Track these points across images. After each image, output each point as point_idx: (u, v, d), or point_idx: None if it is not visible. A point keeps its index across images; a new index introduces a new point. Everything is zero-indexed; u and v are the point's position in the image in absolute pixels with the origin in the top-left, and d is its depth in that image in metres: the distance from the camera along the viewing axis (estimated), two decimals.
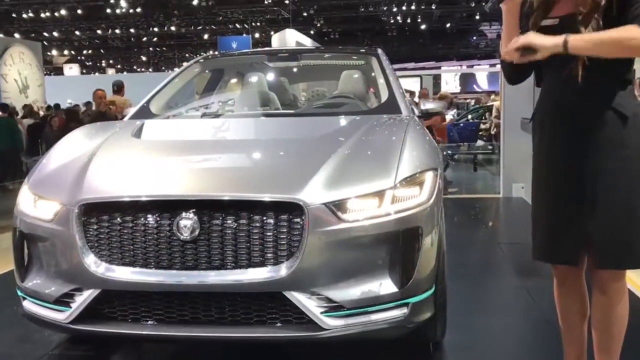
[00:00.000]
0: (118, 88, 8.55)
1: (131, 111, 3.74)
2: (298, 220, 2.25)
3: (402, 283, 2.32)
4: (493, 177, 9.20)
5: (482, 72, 29.08)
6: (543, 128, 2.19)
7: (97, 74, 38.44)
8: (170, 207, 2.28)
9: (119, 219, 2.31)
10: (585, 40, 1.92)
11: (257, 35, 25.68)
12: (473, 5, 21.29)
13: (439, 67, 29.14)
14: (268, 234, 2.25)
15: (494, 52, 27.04)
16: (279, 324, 2.31)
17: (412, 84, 18.51)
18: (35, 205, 2.51)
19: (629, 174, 2.02)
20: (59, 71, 35.05)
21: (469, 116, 14.16)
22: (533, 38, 1.96)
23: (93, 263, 2.30)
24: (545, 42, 1.95)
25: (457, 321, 3.12)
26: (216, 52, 12.32)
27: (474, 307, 3.58)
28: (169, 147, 3.03)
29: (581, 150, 2.06)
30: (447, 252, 2.75)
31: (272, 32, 19.42)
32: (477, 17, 25.10)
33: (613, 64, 1.97)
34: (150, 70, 37.80)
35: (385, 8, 21.89)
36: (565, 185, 2.10)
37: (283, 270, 2.23)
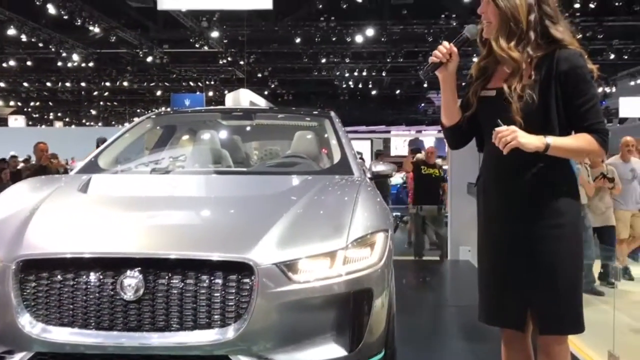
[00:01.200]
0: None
1: (78, 165, 3.65)
2: (247, 280, 2.21)
3: (352, 346, 2.29)
4: (442, 239, 9.32)
5: (430, 137, 30.01)
6: (485, 194, 2.27)
7: (43, 126, 37.62)
8: (115, 265, 2.20)
9: (59, 276, 2.21)
10: (562, 149, 2.06)
11: (210, 93, 25.83)
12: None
13: (389, 132, 29.92)
14: (216, 294, 2.19)
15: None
16: None
17: (363, 146, 18.88)
18: None
19: (565, 241, 2.11)
20: (3, 122, 34.14)
21: None
22: (521, 138, 2.02)
23: (28, 323, 2.17)
24: (529, 145, 2.03)
25: None
26: (169, 109, 12.30)
27: None
28: (115, 202, 2.95)
29: (519, 217, 2.14)
30: (396, 314, 2.73)
31: (226, 91, 19.59)
32: (425, 85, 26.09)
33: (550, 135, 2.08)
34: (100, 124, 37.29)
35: (337, 73, 22.51)
36: (506, 251, 2.17)
37: (230, 332, 2.16)
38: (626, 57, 17.91)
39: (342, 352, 2.27)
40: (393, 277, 2.67)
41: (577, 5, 12.72)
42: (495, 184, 2.22)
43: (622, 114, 20.24)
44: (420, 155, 9.83)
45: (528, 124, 2.06)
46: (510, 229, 2.16)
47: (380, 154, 9.64)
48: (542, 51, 2.10)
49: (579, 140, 2.08)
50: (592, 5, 12.58)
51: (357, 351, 2.30)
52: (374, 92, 27.38)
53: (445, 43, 2.17)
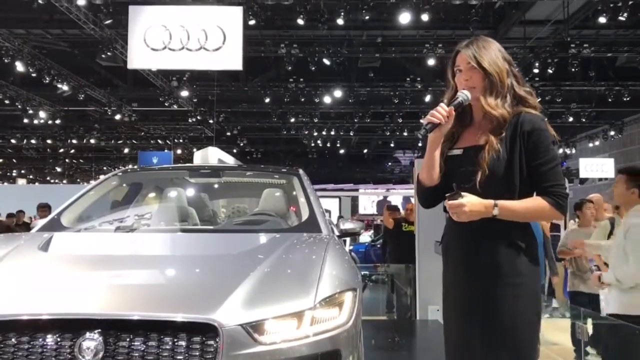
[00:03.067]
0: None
1: (39, 223, 3.55)
2: (212, 342, 2.14)
3: None
4: (410, 298, 9.28)
5: (397, 196, 30.35)
6: (447, 253, 2.31)
7: (6, 183, 36.80)
8: (73, 327, 2.11)
9: (13, 339, 2.10)
10: (509, 213, 2.16)
11: (179, 151, 25.80)
12: (388, 134, 22.61)
13: (357, 190, 30.19)
14: (179, 357, 2.11)
15: (408, 177, 28.48)
16: None
17: (331, 204, 18.95)
18: None
19: (523, 300, 2.15)
20: None
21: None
22: (468, 210, 2.14)
23: None
24: (475, 216, 2.15)
25: None
26: (135, 166, 12.20)
27: None
28: (77, 261, 2.87)
29: (478, 276, 2.19)
30: None
31: (194, 149, 19.60)
32: (392, 145, 26.59)
33: (510, 197, 2.18)
34: (65, 181, 36.66)
35: (306, 132, 22.83)
36: (465, 311, 2.21)
37: None
38: (584, 119, 18.68)
39: None
40: (362, 338, 2.63)
41: (536, 71, 13.31)
42: (458, 242, 2.29)
43: (582, 174, 20.90)
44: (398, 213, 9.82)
45: (492, 176, 2.17)
46: (470, 289, 2.21)
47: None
48: (512, 110, 2.25)
49: (529, 203, 2.17)
50: (550, 71, 13.16)
51: None
52: (342, 151, 27.76)
53: (444, 105, 2.26)
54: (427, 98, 17.39)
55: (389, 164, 33.43)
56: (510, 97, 2.26)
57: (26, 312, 2.17)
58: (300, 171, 4.28)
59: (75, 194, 3.92)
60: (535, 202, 2.17)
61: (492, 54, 2.27)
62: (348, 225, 3.75)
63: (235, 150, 24.75)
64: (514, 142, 2.19)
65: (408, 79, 16.66)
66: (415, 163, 8.32)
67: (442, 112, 2.23)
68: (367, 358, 2.77)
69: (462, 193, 2.15)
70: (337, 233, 3.64)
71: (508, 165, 2.18)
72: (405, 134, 22.60)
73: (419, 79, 16.64)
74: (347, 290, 2.50)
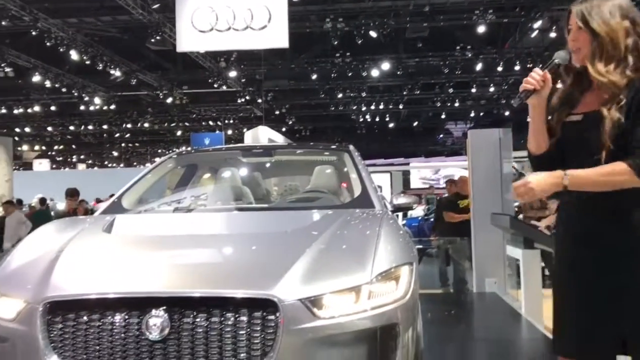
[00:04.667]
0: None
1: (102, 206, 3.70)
2: (272, 317, 2.19)
3: None
4: (466, 271, 9.20)
5: (450, 169, 29.93)
6: (568, 217, 2.16)
7: (67, 169, 38.30)
8: (140, 305, 2.20)
9: (85, 317, 2.21)
10: (581, 182, 1.98)
11: (229, 132, 26.16)
12: (439, 105, 22.24)
13: (408, 164, 29.89)
14: (241, 332, 2.17)
15: (461, 149, 27.97)
16: None
17: (381, 179, 18.85)
18: None
19: None
20: (28, 166, 34.83)
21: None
22: (535, 188, 1.99)
23: None
24: (544, 193, 2.01)
25: None
26: (190, 148, 12.46)
27: None
28: (139, 242, 2.98)
29: (609, 234, 2.02)
30: (424, 349, 2.68)
31: (244, 129, 19.84)
32: (443, 117, 26.15)
33: None
34: (122, 165, 37.85)
35: (354, 107, 22.70)
36: (598, 292, 2.03)
37: None
38: None
39: None
40: (419, 311, 2.63)
41: None
42: (580, 205, 2.08)
43: None
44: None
45: (616, 147, 1.97)
46: (600, 248, 2.02)
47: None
48: (636, 75, 2.02)
49: (604, 168, 1.96)
50: None
51: None
52: (391, 125, 27.50)
53: (538, 70, 2.13)
54: (479, 66, 16.96)
55: (440, 136, 32.90)
56: (634, 58, 2.01)
57: (95, 292, 2.28)
58: (351, 147, 4.27)
59: (133, 177, 4.04)
60: (612, 167, 1.94)
61: (606, 11, 2.02)
62: (401, 199, 3.73)
63: (284, 129, 24.90)
64: (635, 107, 1.97)
65: (458, 47, 16.26)
66: (468, 134, 8.15)
67: (535, 77, 2.10)
68: (424, 331, 2.77)
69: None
70: (390, 208, 3.63)
71: (629, 133, 1.95)
72: (456, 104, 22.16)
73: (469, 47, 16.21)
74: (403, 264, 2.50)
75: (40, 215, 11.54)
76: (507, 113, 23.85)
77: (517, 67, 16.45)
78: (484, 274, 7.39)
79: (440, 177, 29.50)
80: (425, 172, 29.42)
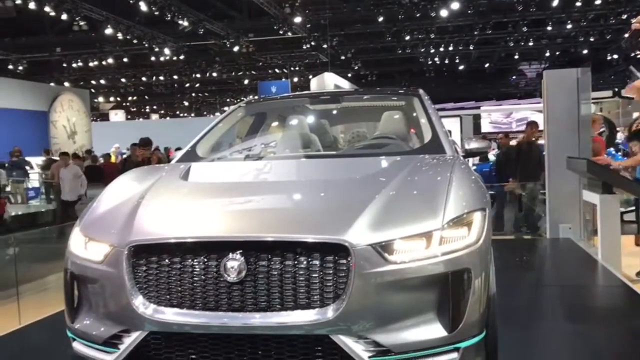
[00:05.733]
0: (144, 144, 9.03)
1: (178, 154, 3.83)
2: (344, 261, 2.23)
3: (452, 327, 2.26)
4: (539, 217, 9.00)
5: (522, 112, 28.84)
6: None
7: (141, 119, 39.68)
8: (217, 249, 2.29)
9: (167, 260, 2.33)
10: None
11: (295, 79, 26.16)
12: (512, 45, 21.27)
13: (479, 107, 28.99)
14: (314, 275, 2.23)
15: (535, 91, 26.83)
16: None
17: (451, 124, 18.44)
18: (85, 247, 2.56)
19: None
20: (104, 117, 36.35)
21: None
22: None
23: (141, 304, 2.31)
24: None
25: None
26: (258, 97, 12.58)
27: (526, 353, 3.44)
28: (215, 189, 3.07)
29: None
30: (496, 294, 2.66)
31: (310, 76, 19.77)
32: (516, 57, 25.04)
33: None
34: (192, 115, 38.79)
35: (422, 50, 22.07)
36: None
37: (329, 312, 2.20)
38: None
39: (442, 333, 2.25)
40: (492, 257, 2.60)
41: None
42: None
43: None
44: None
45: None
46: None
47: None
48: None
49: None
50: None
51: (457, 332, 2.27)
52: (461, 67, 26.63)
53: None
54: (555, 2, 16.00)
55: (513, 77, 31.59)
56: None
57: (176, 236, 2.39)
58: (421, 91, 4.18)
59: (203, 126, 4.14)
60: None
61: None
62: (473, 144, 3.64)
63: (349, 75, 24.63)
64: None
65: None
66: (544, 75, 7.78)
67: None
68: (497, 277, 2.75)
69: None
70: (461, 153, 3.56)
71: None
72: (530, 43, 21.12)
73: None
74: (475, 210, 2.47)
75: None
76: (585, 51, 22.55)
77: (597, 1, 15.41)
78: (558, 220, 7.19)
79: (512, 121, 28.54)
80: (497, 116, 28.51)
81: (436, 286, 2.28)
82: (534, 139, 8.79)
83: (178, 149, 14.20)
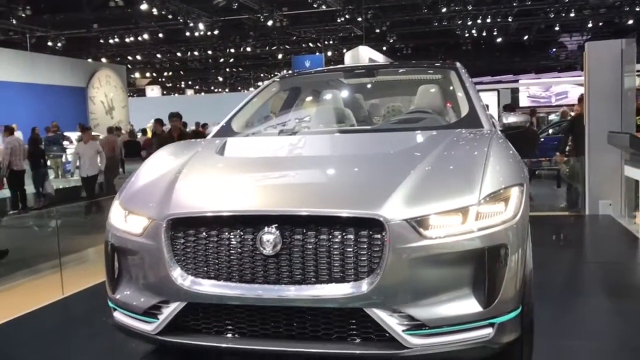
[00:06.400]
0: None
1: (214, 129, 3.86)
2: (378, 236, 2.23)
3: (487, 302, 2.25)
4: (579, 193, 8.82)
5: (562, 85, 28.08)
6: None
7: (176, 94, 40.07)
8: (253, 222, 2.32)
9: (204, 233, 2.37)
10: None
11: (329, 53, 25.96)
12: (552, 16, 20.62)
13: (517, 81, 28.30)
14: (348, 249, 2.24)
15: (576, 63, 26.05)
16: (359, 341, 2.29)
17: (488, 98, 18.08)
18: (125, 219, 2.62)
19: None
20: (141, 93, 36.83)
21: (550, 130, 13.66)
22: None
23: (180, 276, 2.36)
24: None
25: (544, 344, 2.98)
26: (292, 71, 12.54)
27: (562, 329, 3.41)
28: (250, 164, 3.10)
29: None
30: (533, 271, 2.63)
31: (344, 50, 19.58)
32: (557, 29, 24.28)
33: None
34: (227, 90, 38.97)
35: (459, 22, 21.57)
36: None
37: (364, 286, 2.21)
38: None
39: (478, 308, 2.25)
40: (529, 233, 2.57)
41: None
42: None
43: None
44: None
45: None
46: None
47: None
48: None
49: None
50: None
51: (492, 307, 2.25)
52: (499, 40, 25.95)
53: None
54: None
55: (553, 50, 30.65)
56: None
57: (213, 210, 2.42)
58: (458, 64, 4.10)
59: (237, 102, 4.16)
60: None
61: None
62: (512, 118, 3.56)
63: (384, 48, 24.31)
64: None
65: None
66: (586, 47, 7.53)
67: None
68: (534, 253, 2.71)
69: None
70: (499, 128, 3.50)
71: None
72: (571, 14, 20.41)
73: None
74: (513, 185, 2.43)
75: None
76: (630, 22, 21.71)
77: None
78: (597, 196, 7.03)
79: (551, 95, 27.81)
80: (535, 89, 27.80)
81: (472, 262, 2.26)
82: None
83: (204, 125, 14.43)
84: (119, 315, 2.63)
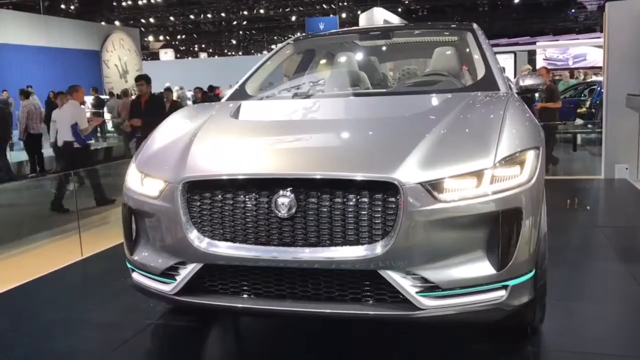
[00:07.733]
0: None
1: (228, 93, 3.85)
2: (393, 199, 2.23)
3: (501, 265, 2.27)
4: (593, 157, 8.73)
5: (580, 48, 27.49)
6: None
7: (190, 58, 39.87)
8: (268, 185, 2.33)
9: (220, 196, 2.39)
10: None
11: (344, 15, 25.57)
12: None
13: (534, 43, 27.73)
14: (363, 212, 2.25)
15: (595, 25, 25.43)
16: (373, 302, 2.32)
17: (505, 60, 17.78)
18: (142, 182, 2.64)
19: None
20: (155, 56, 36.69)
21: (567, 94, 13.45)
22: None
23: (196, 238, 2.40)
24: None
25: (557, 307, 3.00)
26: (305, 33, 12.39)
27: (574, 292, 3.43)
28: (265, 127, 3.10)
29: None
30: (547, 234, 2.63)
31: (359, 12, 19.25)
32: None
33: None
34: (240, 53, 38.67)
35: None
36: None
37: (378, 248, 2.23)
38: None
39: (491, 271, 2.26)
40: (544, 197, 2.56)
41: None
42: None
43: None
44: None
45: None
46: None
47: None
48: None
49: None
50: None
51: (505, 270, 2.27)
52: (516, 1, 25.38)
53: None
54: None
55: (572, 11, 29.91)
56: None
57: (228, 173, 2.43)
58: (475, 26, 4.03)
59: (251, 65, 4.13)
60: None
61: None
62: (528, 81, 3.51)
63: (399, 10, 23.87)
64: None
65: None
66: (606, 7, 7.34)
67: None
68: (549, 217, 2.71)
69: None
70: (515, 90, 3.45)
71: None
72: None
73: None
74: (529, 148, 2.41)
75: None
76: None
77: None
78: (614, 160, 6.96)
79: (569, 57, 27.28)
80: (552, 51, 27.26)
81: (486, 225, 2.27)
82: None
83: (210, 87, 14.41)
84: (137, 277, 2.69)
